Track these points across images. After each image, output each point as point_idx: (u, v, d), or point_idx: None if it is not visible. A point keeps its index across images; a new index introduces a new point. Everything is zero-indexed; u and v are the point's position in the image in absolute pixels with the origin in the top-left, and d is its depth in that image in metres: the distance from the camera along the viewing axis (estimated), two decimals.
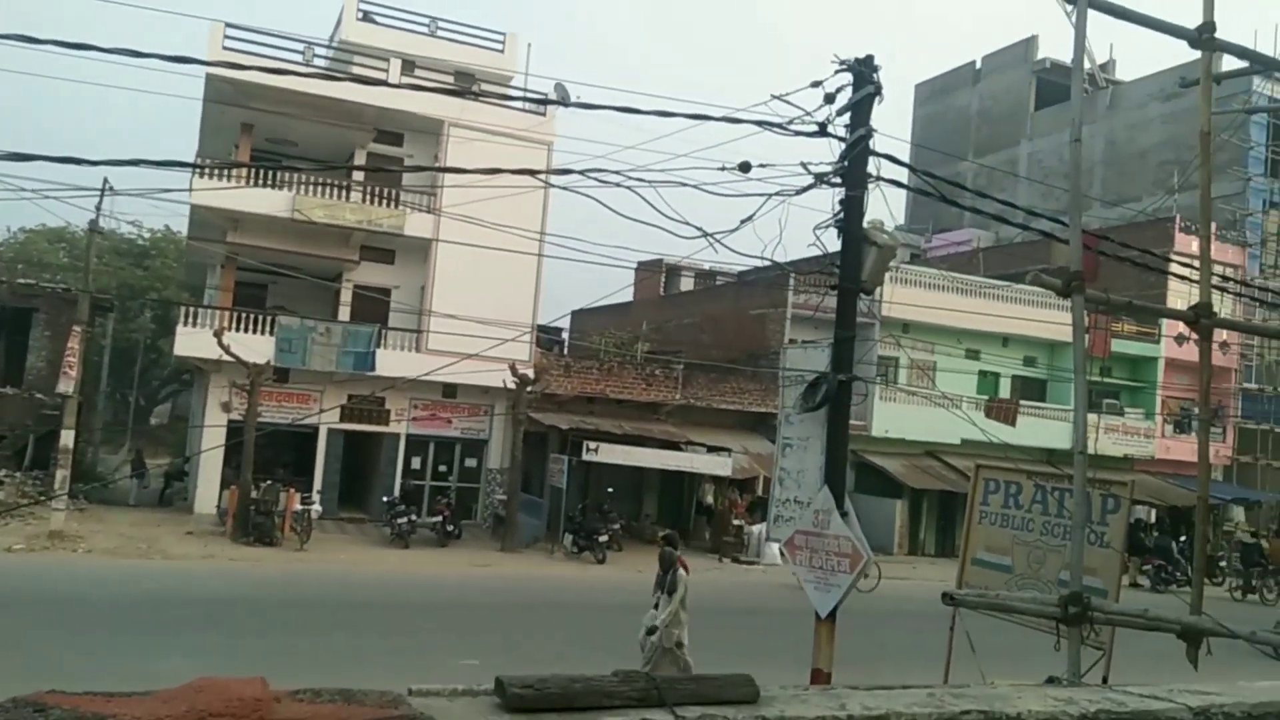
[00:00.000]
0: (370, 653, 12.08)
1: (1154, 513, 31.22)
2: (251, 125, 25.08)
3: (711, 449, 26.12)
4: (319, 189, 24.75)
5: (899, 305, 28.56)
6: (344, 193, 25.19)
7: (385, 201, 25.38)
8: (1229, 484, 34.21)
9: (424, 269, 26.03)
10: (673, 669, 10.13)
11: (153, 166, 6.88)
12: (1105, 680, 7.43)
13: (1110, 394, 33.68)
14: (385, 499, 24.19)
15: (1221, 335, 27.90)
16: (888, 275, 28.99)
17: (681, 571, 10.33)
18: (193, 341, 23.49)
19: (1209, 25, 5.82)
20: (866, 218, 7.69)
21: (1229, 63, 7.20)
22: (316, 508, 22.50)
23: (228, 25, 23.28)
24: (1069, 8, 5.59)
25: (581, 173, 6.75)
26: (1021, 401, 29.25)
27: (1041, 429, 28.84)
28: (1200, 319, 5.65)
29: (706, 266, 37.07)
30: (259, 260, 24.39)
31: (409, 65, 25.66)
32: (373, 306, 25.90)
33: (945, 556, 27.93)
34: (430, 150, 26.18)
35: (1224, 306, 26.59)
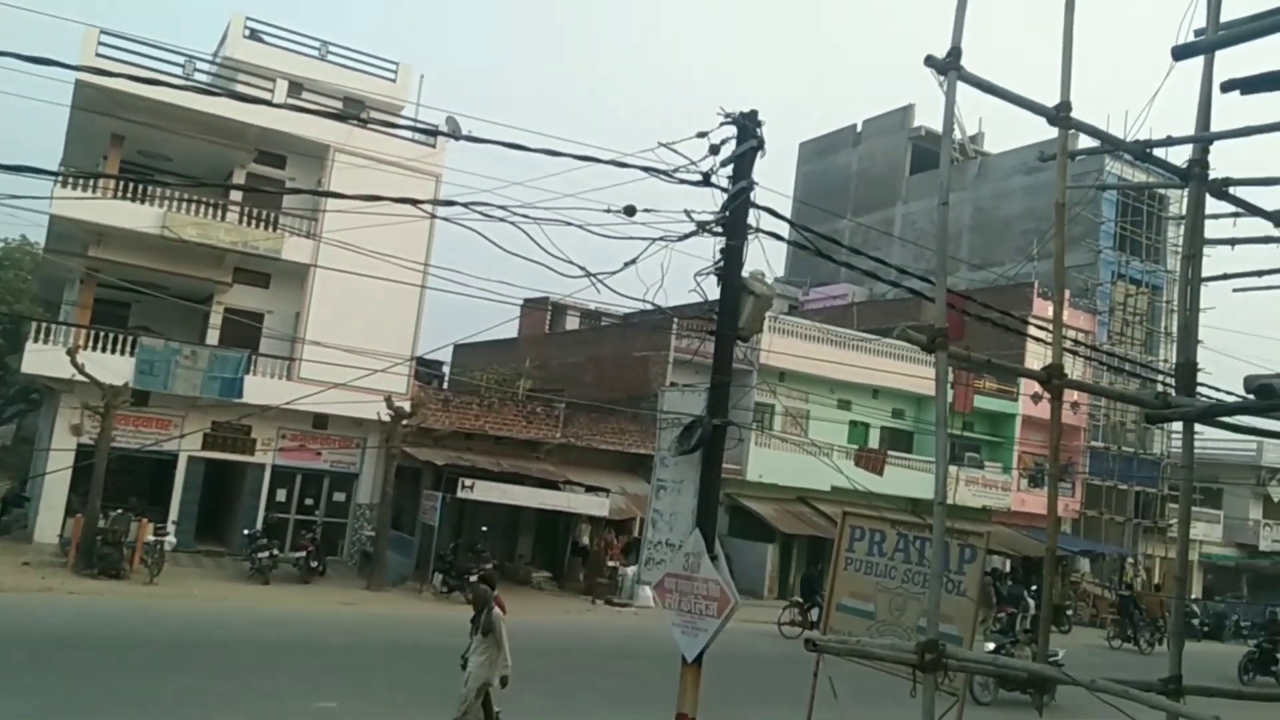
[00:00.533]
0: (217, 695, 11.45)
1: (1008, 563, 32.61)
2: (123, 137, 23.99)
3: (590, 489, 26.03)
4: (193, 207, 23.82)
5: (776, 354, 29.32)
6: (219, 212, 24.30)
7: (263, 224, 24.59)
8: (1076, 537, 36.14)
9: (300, 295, 25.27)
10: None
11: (6, 172, 6.48)
12: None
13: (971, 447, 35.24)
14: (246, 532, 23.13)
15: (1072, 395, 29.61)
16: (766, 325, 29.84)
17: (498, 611, 9.87)
18: (43, 359, 22.10)
19: (1065, 105, 6.23)
20: (746, 268, 7.88)
21: (1086, 141, 7.72)
22: (170, 539, 21.34)
23: (103, 31, 22.30)
24: (941, 79, 5.90)
25: (465, 205, 6.70)
26: (889, 452, 30.30)
27: (907, 479, 29.89)
28: (1052, 379, 5.97)
29: (592, 306, 37.27)
30: (123, 277, 23.20)
31: (296, 87, 25.12)
32: (244, 331, 24.93)
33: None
34: (314, 175, 25.56)
35: (1075, 369, 28.28)
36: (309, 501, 25.96)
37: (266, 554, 21.66)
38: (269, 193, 24.38)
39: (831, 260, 10.37)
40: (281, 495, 25.45)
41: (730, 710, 12.42)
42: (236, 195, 24.71)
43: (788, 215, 10.26)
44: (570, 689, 14.22)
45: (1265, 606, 33.81)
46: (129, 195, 23.02)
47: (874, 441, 32.06)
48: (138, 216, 22.92)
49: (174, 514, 23.57)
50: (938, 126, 44.40)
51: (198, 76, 23.94)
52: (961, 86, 6.12)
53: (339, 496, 26.34)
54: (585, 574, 26.82)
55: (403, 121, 24.57)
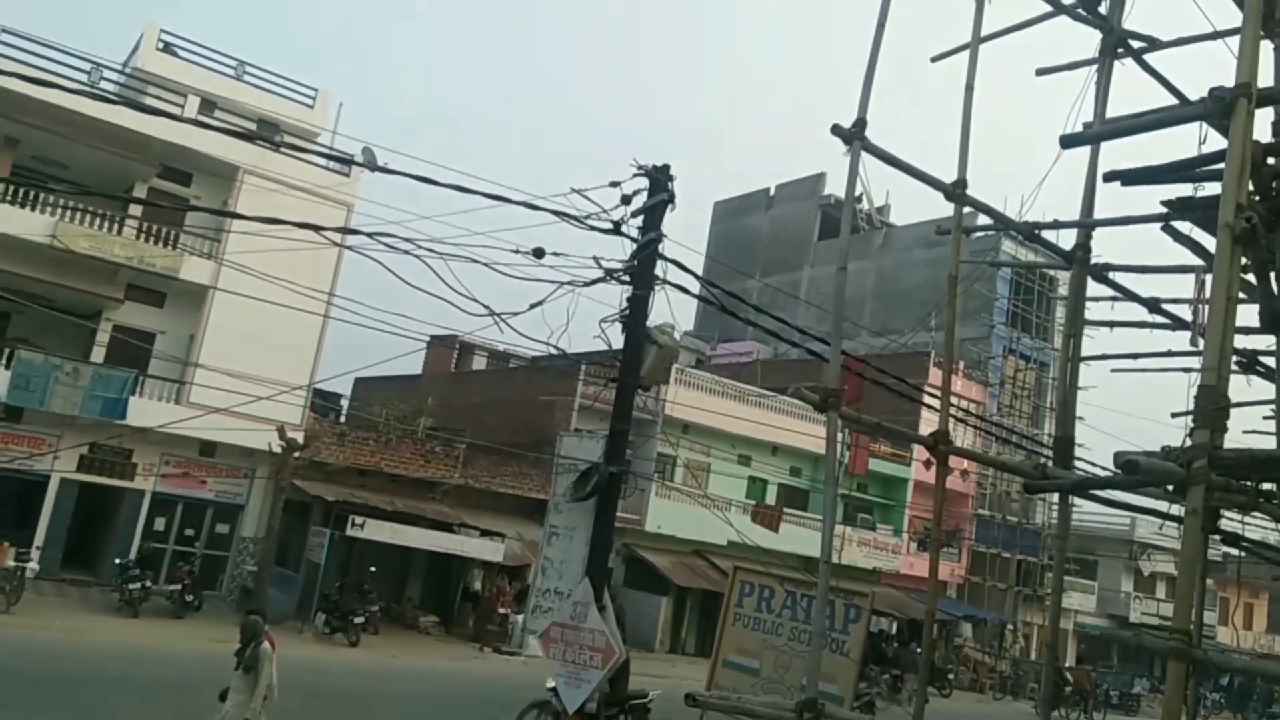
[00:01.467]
0: None
1: (895, 624, 33.19)
2: (16, 140, 23.00)
3: (485, 533, 25.59)
4: (88, 218, 22.88)
5: (681, 406, 29.53)
6: (116, 225, 23.40)
7: (162, 241, 23.77)
8: (961, 601, 37.04)
9: (197, 317, 24.40)
10: None
11: None
12: None
13: (864, 509, 35.95)
14: (118, 561, 21.95)
15: (962, 464, 30.56)
16: (673, 377, 30.08)
17: (266, 646, 9.23)
18: None
19: (961, 182, 6.52)
20: (655, 319, 7.95)
21: (986, 220, 8.07)
22: (33, 565, 20.10)
23: (2, 30, 21.46)
24: (846, 149, 6.12)
25: (370, 235, 6.61)
26: (785, 509, 30.64)
27: (801, 536, 30.20)
28: (938, 445, 6.17)
29: (501, 348, 36.99)
30: (6, 286, 22.06)
31: (208, 105, 24.51)
32: (133, 351, 23.90)
33: (705, 655, 28.38)
34: (221, 195, 24.87)
35: (965, 438, 29.25)
36: (189, 532, 24.82)
37: (138, 585, 20.59)
38: (167, 208, 23.60)
39: (735, 316, 10.55)
40: (160, 524, 24.27)
41: None
42: (136, 210, 23.85)
43: (700, 270, 10.42)
44: None
45: (1132, 675, 35.11)
46: (19, 201, 22.01)
47: (771, 498, 32.42)
48: (25, 223, 21.88)
49: (39, 539, 22.22)
50: (842, 192, 45.98)
51: (105, 86, 23.18)
52: (869, 158, 6.37)
53: (222, 528, 25.27)
54: (475, 620, 26.25)
55: (317, 148, 24.17)
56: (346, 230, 7.14)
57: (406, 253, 6.90)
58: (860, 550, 33.74)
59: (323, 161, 24.23)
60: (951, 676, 31.98)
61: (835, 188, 49.18)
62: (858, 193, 6.32)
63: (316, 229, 6.82)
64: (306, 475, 24.19)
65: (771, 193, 52.40)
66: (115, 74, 24.41)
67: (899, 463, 35.30)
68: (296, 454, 22.68)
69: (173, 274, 23.73)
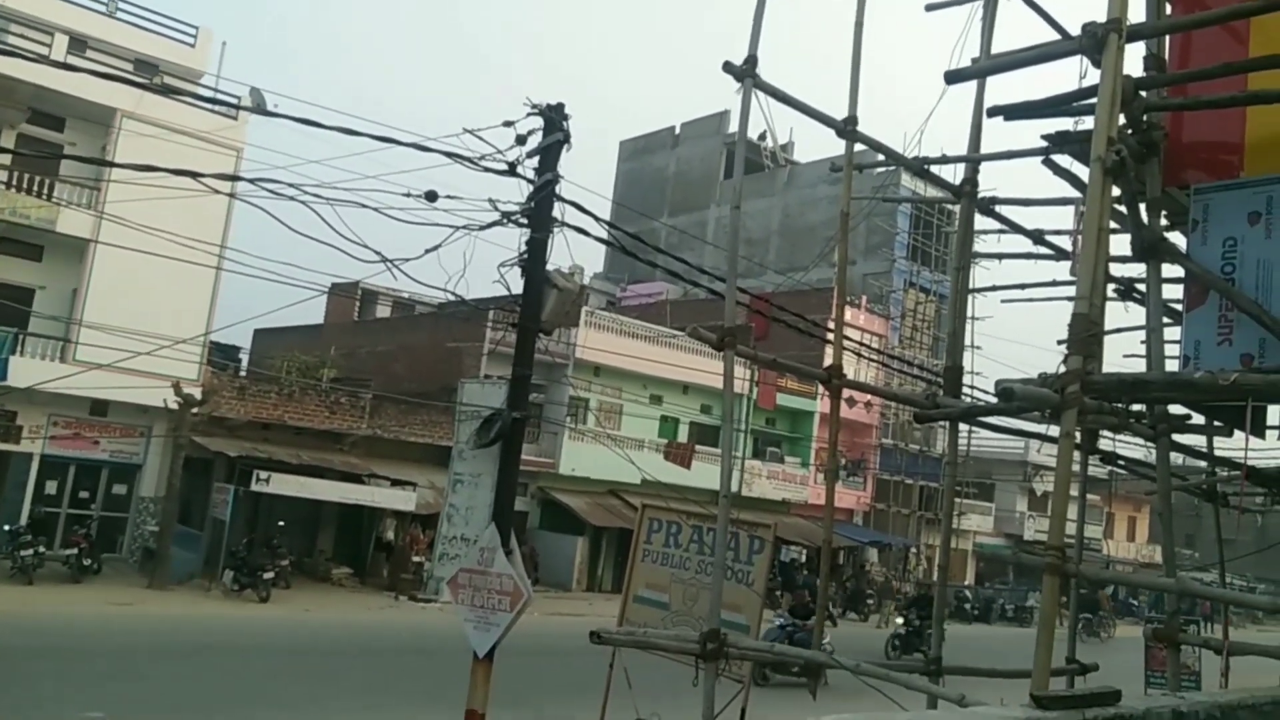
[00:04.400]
0: None
1: (805, 553, 34.22)
2: None
3: (396, 483, 25.35)
4: None
5: (592, 349, 29.53)
6: None
7: (36, 191, 22.44)
8: (867, 528, 38.39)
9: (79, 270, 23.22)
10: None
11: None
12: (744, 713, 7.94)
13: (774, 443, 36.73)
14: (8, 528, 21.05)
15: (865, 396, 31.37)
16: (582, 320, 29.98)
17: None
18: None
19: (852, 119, 6.58)
20: (561, 262, 7.88)
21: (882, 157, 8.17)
22: None
23: None
24: (738, 86, 6.09)
25: (253, 181, 6.34)
26: (697, 446, 31.08)
27: (714, 473, 30.62)
28: (832, 379, 6.31)
29: (406, 295, 36.29)
30: None
31: (79, 44, 23.05)
32: (8, 308, 22.67)
33: (620, 593, 28.86)
34: (98, 141, 23.55)
35: (866, 371, 29.99)
36: (84, 494, 23.94)
37: (31, 551, 19.85)
38: (35, 156, 22.24)
39: (638, 259, 10.52)
40: (52, 488, 23.31)
41: (529, 705, 12.41)
42: (4, 158, 22.41)
43: (607, 212, 10.35)
44: (366, 687, 13.80)
45: (1027, 590, 37.04)
46: None
47: (683, 436, 32.84)
48: None
49: None
50: (752, 132, 46.13)
51: None
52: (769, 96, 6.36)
53: (119, 489, 24.43)
54: (389, 569, 26.12)
55: (201, 89, 23.03)
56: (227, 177, 6.84)
57: (292, 199, 6.65)
58: (770, 483, 34.56)
59: (208, 105, 23.13)
60: (871, 601, 33.12)
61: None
62: (762, 130, 6.34)
63: (194, 175, 6.50)
64: (207, 431, 23.51)
65: (677, 131, 52.11)
66: None
67: (806, 397, 36.07)
68: (194, 410, 22.00)
69: (49, 226, 22.47)
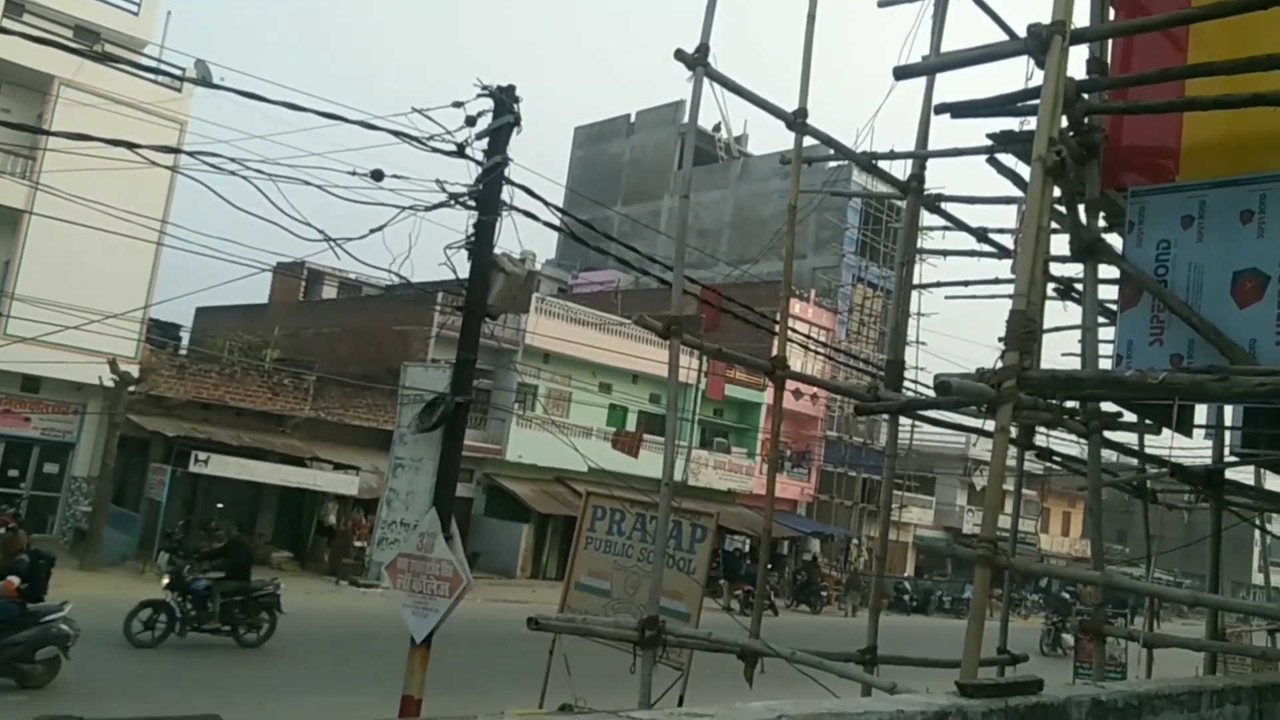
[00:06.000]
0: None
1: (749, 543, 34.50)
2: None
3: (339, 466, 25.02)
4: None
5: (542, 336, 29.39)
6: None
7: None
8: (810, 519, 38.80)
9: (11, 243, 22.50)
10: None
11: None
12: (681, 700, 7.98)
13: (720, 433, 36.94)
14: None
15: (811, 389, 31.66)
16: (533, 306, 29.82)
17: None
18: None
19: (802, 111, 6.61)
20: (517, 248, 7.82)
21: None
22: None
23: None
24: (689, 75, 6.08)
25: (192, 154, 6.18)
26: (645, 435, 31.13)
27: (661, 461, 30.87)
28: (776, 370, 6.34)
29: (353, 276, 35.73)
30: None
31: (16, 7, 22.30)
32: None
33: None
34: (34, 109, 22.81)
35: (812, 364, 30.26)
36: (13, 473, 23.27)
37: None
38: None
39: (587, 245, 10.49)
40: None
41: (470, 691, 12.36)
42: None
43: (561, 197, 10.26)
44: (304, 672, 13.64)
45: (964, 582, 37.76)
46: None
47: (632, 424, 32.85)
48: None
49: None
50: (706, 123, 46.15)
51: None
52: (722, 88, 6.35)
53: (51, 468, 23.79)
54: (331, 554, 25.82)
55: (144, 59, 22.39)
56: (166, 149, 6.65)
57: (234, 174, 6.50)
58: (716, 473, 34.76)
59: (152, 75, 22.53)
60: (825, 593, 33.50)
61: (700, 117, 49.25)
62: (717, 122, 6.33)
63: (131, 146, 6.31)
64: (144, 410, 22.98)
65: (633, 119, 51.94)
66: None
67: (754, 389, 36.31)
68: (131, 388, 21.49)
69: None
